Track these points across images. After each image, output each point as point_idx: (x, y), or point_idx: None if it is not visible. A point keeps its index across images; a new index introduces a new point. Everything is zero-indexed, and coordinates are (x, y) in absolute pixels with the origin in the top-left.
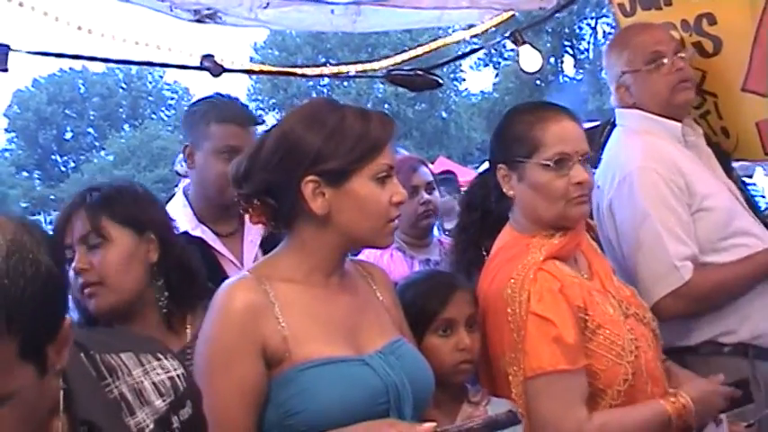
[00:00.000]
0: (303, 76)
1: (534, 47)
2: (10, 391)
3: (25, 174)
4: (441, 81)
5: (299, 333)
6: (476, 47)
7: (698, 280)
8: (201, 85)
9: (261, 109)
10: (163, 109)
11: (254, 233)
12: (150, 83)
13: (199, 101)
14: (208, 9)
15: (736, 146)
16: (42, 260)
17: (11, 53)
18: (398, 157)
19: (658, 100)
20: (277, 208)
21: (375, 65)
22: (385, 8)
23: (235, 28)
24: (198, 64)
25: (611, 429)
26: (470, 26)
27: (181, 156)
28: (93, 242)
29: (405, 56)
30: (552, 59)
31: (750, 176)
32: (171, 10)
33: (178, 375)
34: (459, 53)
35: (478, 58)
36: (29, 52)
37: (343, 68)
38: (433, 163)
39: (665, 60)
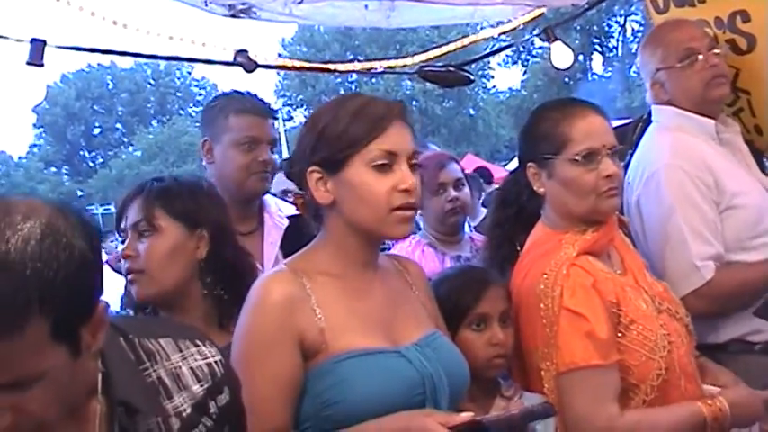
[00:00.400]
0: (335, 71)
1: (566, 43)
2: (42, 371)
3: (53, 169)
4: (472, 77)
5: (336, 325)
6: (504, 44)
7: (720, 279)
8: (230, 81)
9: (289, 105)
10: (191, 105)
11: (274, 234)
12: (178, 79)
13: (216, 97)
14: (243, 4)
15: None
16: (76, 244)
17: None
18: (427, 153)
19: (692, 96)
20: (306, 201)
21: (407, 60)
22: (419, 4)
23: (264, 25)
24: (231, 59)
25: (643, 427)
26: (499, 23)
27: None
28: (142, 230)
29: (435, 52)
30: (581, 57)
31: None
32: (206, 5)
33: (216, 362)
34: (489, 50)
35: (507, 56)
36: (65, 47)
37: (376, 64)
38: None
39: (700, 57)
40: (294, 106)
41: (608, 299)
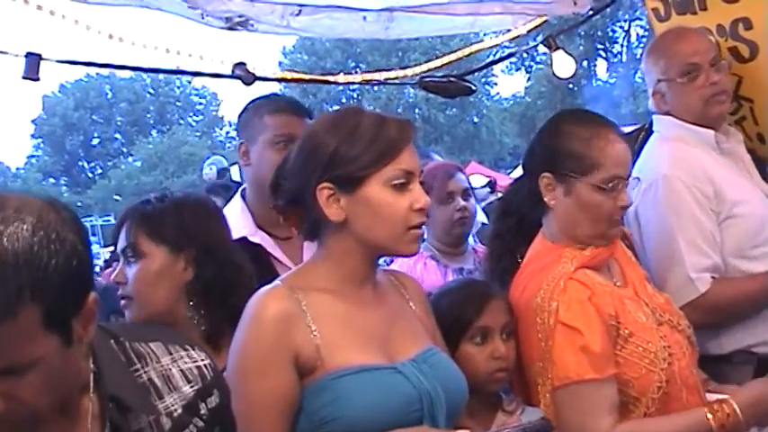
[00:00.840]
0: (335, 83)
1: (567, 51)
2: (35, 358)
3: (52, 180)
4: (474, 87)
5: (332, 341)
6: (508, 51)
7: (716, 292)
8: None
9: None
10: (191, 114)
11: None
12: (178, 88)
13: (252, 100)
14: (240, 17)
15: None
16: (67, 237)
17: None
18: (434, 163)
19: (692, 111)
20: (305, 216)
21: (408, 71)
22: (418, 15)
23: (266, 34)
24: (230, 72)
25: None
26: (503, 31)
27: (210, 160)
28: (129, 256)
29: (438, 62)
30: (585, 63)
31: None
32: (203, 18)
33: (205, 365)
34: (491, 58)
35: (510, 62)
36: (60, 61)
37: (375, 75)
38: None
39: (700, 74)
40: None
41: (606, 312)
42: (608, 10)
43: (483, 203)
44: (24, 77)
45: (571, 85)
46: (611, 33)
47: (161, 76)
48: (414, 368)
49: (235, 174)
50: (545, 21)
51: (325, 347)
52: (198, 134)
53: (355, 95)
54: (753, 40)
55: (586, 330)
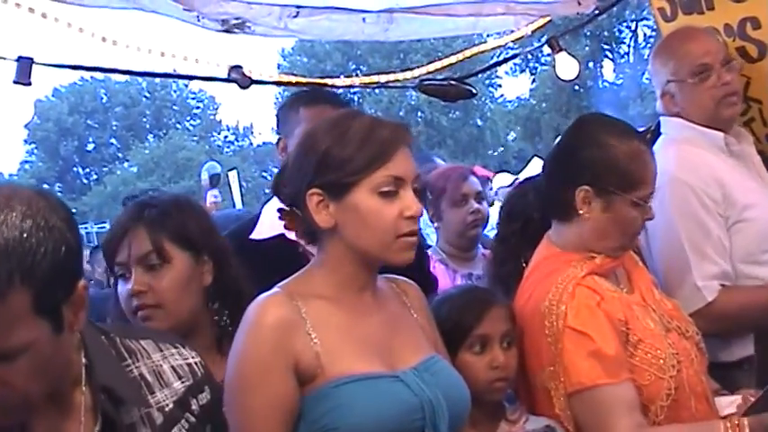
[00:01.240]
0: (334, 86)
1: (571, 53)
2: (26, 342)
3: (46, 186)
4: (474, 91)
5: (332, 349)
6: (512, 53)
7: (724, 301)
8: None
9: None
10: (188, 118)
11: None
12: (175, 92)
13: (289, 95)
14: (236, 19)
15: None
16: (56, 225)
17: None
18: (447, 165)
19: (703, 113)
20: (303, 221)
21: (408, 74)
22: (418, 16)
23: (263, 37)
24: (225, 75)
25: None
26: (506, 32)
27: (209, 165)
28: (152, 263)
29: (438, 64)
30: (591, 64)
31: None
32: (198, 20)
33: (196, 363)
34: (495, 60)
35: (514, 64)
36: (52, 65)
37: (375, 78)
38: None
39: (712, 74)
40: None
41: (616, 317)
42: (614, 9)
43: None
44: (16, 82)
45: (577, 87)
46: (617, 34)
47: (157, 79)
48: (415, 376)
49: (233, 179)
50: (549, 21)
51: (325, 355)
52: (195, 139)
53: (356, 99)
54: (761, 39)
55: (597, 335)
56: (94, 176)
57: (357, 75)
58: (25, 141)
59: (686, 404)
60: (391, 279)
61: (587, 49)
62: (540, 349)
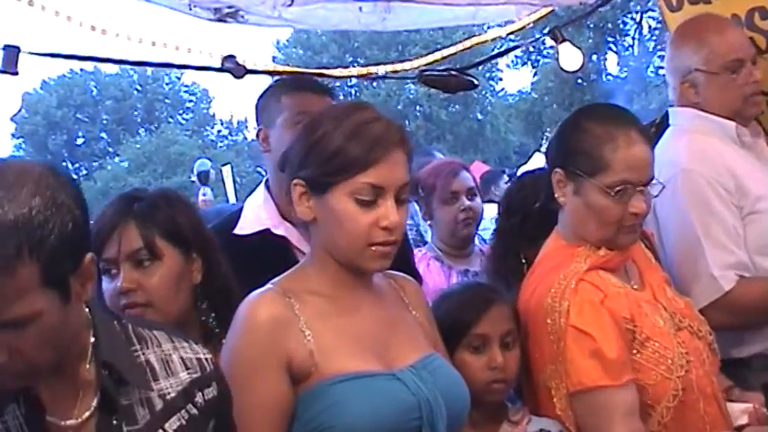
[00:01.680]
0: (331, 77)
1: (574, 44)
2: (35, 312)
3: None
4: (476, 82)
5: (326, 347)
6: (512, 45)
7: (741, 291)
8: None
9: None
10: (180, 112)
11: None
12: (167, 84)
13: (270, 84)
14: (229, 8)
15: None
16: (65, 202)
17: (21, 55)
18: (438, 161)
19: (728, 107)
20: None
21: (406, 65)
22: (416, 5)
23: (256, 27)
24: (219, 65)
25: None
26: (507, 23)
27: (199, 162)
28: (142, 259)
29: (438, 55)
30: (594, 57)
31: None
32: (190, 9)
33: (206, 359)
34: (495, 51)
35: (516, 57)
36: (40, 54)
37: (373, 69)
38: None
39: (743, 70)
40: None
41: (620, 315)
42: (618, 1)
43: None
44: (2, 71)
45: (580, 80)
46: (621, 25)
47: (149, 71)
48: (412, 375)
49: (227, 174)
50: (551, 11)
51: (319, 353)
52: (188, 133)
53: (353, 91)
54: None
55: (599, 335)
56: (84, 172)
57: (354, 67)
58: (12, 135)
59: (694, 405)
60: (389, 275)
61: (590, 41)
62: (542, 347)
